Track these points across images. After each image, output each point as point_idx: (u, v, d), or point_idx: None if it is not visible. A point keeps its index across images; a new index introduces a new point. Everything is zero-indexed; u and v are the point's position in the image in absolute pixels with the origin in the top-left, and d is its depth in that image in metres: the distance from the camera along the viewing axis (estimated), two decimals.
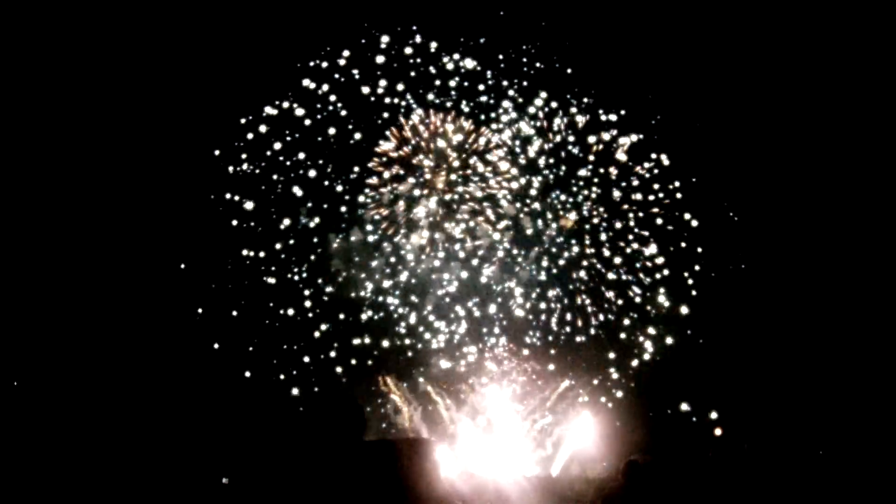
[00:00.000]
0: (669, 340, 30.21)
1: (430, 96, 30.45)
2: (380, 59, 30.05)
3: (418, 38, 30.48)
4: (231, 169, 29.90)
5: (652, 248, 30.98)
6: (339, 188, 30.11)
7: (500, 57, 30.85)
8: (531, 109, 30.85)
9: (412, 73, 30.25)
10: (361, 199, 30.27)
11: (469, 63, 30.63)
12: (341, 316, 29.61)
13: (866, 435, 25.40)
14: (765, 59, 30.69)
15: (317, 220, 29.94)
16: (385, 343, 29.65)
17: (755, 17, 30.65)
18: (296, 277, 29.70)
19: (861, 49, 29.23)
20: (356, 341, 29.32)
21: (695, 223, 30.89)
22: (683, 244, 31.00)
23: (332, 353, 28.82)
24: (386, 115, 30.23)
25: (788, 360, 29.26)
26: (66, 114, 28.95)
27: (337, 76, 30.23)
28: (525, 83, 30.85)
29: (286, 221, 29.86)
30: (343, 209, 30.09)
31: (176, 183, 29.69)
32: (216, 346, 28.15)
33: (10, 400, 25.16)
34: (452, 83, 30.53)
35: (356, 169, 30.03)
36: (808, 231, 30.23)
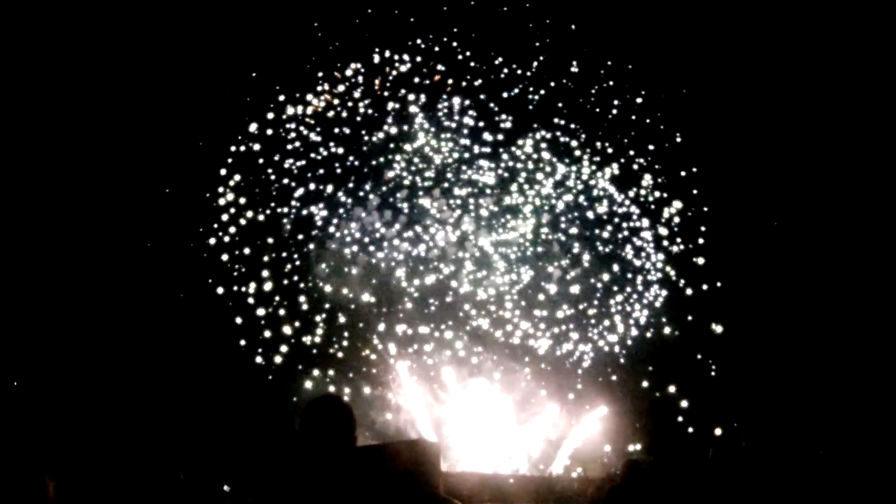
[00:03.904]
0: (669, 335, 30.27)
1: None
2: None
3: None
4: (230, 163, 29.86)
5: (651, 245, 31.04)
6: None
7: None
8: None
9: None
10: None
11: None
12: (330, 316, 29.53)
13: (866, 435, 25.41)
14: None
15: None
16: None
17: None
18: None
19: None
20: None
21: (692, 220, 30.97)
22: (682, 243, 31.06)
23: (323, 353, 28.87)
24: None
25: (788, 360, 29.29)
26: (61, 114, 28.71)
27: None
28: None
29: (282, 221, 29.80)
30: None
31: (176, 182, 29.63)
32: (214, 348, 28.12)
33: (10, 400, 25.15)
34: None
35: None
36: (808, 230, 30.26)
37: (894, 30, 27.42)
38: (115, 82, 28.41)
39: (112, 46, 28.12)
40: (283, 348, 28.96)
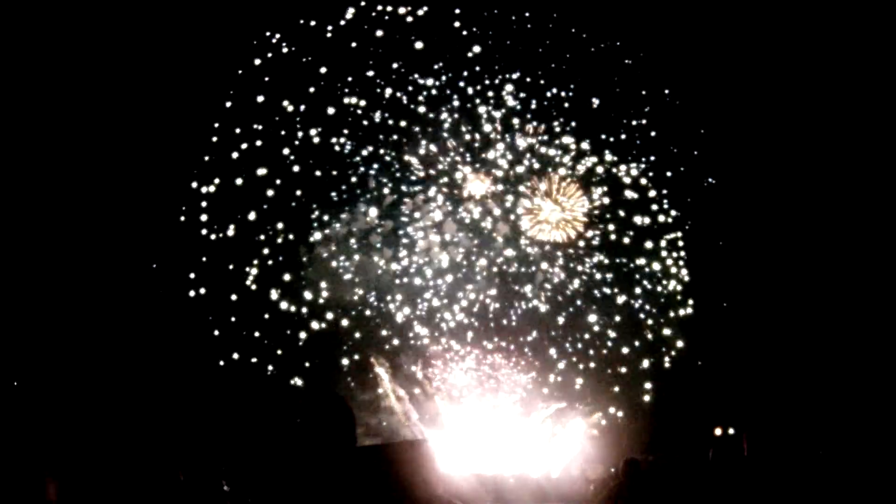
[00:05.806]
0: (670, 343, 30.25)
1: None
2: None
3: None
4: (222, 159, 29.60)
5: (651, 247, 31.00)
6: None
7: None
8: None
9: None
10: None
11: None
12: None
13: (866, 435, 25.41)
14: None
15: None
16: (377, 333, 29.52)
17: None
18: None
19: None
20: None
21: (692, 222, 30.97)
22: (682, 245, 31.03)
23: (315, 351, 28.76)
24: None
25: (788, 360, 29.28)
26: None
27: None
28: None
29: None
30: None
31: (174, 181, 29.54)
32: (213, 349, 28.05)
33: (10, 400, 25.13)
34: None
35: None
36: (808, 230, 30.25)
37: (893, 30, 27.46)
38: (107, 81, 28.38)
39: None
40: (281, 350, 28.88)
